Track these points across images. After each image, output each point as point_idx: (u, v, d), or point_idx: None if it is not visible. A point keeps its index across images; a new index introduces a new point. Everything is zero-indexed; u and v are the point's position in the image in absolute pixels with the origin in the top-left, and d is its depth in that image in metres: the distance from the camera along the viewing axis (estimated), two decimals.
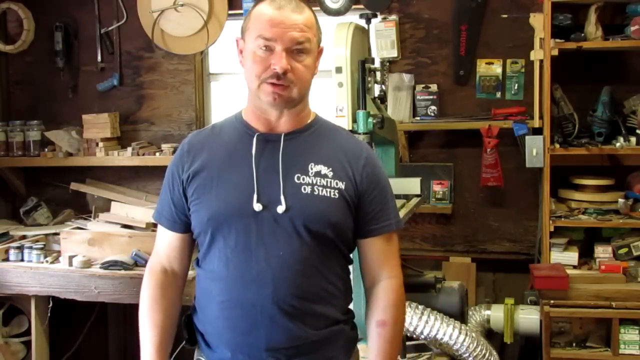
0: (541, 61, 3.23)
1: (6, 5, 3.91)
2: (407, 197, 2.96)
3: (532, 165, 3.27)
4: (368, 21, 2.90)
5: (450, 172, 3.65)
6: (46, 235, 3.59)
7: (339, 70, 2.57)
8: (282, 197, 1.60)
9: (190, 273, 1.80)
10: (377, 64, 2.75)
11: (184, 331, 1.76)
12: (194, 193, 1.68)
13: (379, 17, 3.50)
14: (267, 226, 1.60)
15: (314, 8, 1.81)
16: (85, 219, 3.72)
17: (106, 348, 4.08)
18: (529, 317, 3.15)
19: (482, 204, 3.66)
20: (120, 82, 3.92)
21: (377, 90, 2.77)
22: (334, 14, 3.60)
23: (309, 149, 1.68)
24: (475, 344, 2.79)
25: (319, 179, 1.64)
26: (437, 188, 3.64)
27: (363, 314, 1.75)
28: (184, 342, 1.78)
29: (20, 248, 3.41)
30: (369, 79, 2.66)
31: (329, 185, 1.64)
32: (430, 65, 3.64)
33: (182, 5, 3.64)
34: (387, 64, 3.25)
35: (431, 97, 3.60)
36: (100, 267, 3.26)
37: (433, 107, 3.59)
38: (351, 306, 1.77)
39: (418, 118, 3.60)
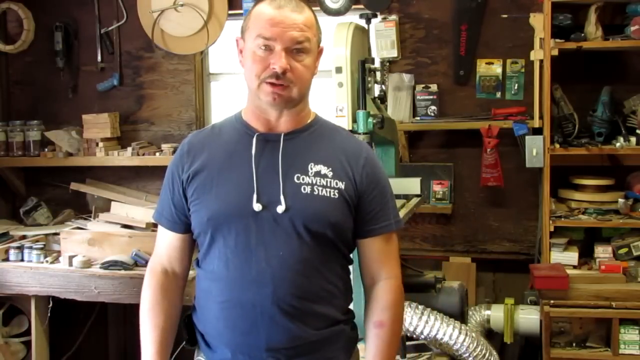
0: (541, 61, 3.23)
1: (6, 5, 3.90)
2: (407, 197, 2.96)
3: (532, 165, 3.27)
4: (368, 21, 2.90)
5: (450, 172, 3.65)
6: (46, 235, 3.59)
7: (339, 70, 2.57)
8: (281, 197, 1.60)
9: (191, 273, 1.80)
10: (377, 64, 2.75)
11: (184, 331, 1.76)
12: (193, 193, 1.68)
13: (379, 17, 3.50)
14: (267, 226, 1.61)
15: (314, 8, 1.81)
16: (85, 219, 3.72)
17: (106, 348, 4.08)
18: (529, 317, 3.15)
19: (482, 204, 3.66)
20: (120, 82, 3.92)
21: (377, 90, 2.77)
22: (334, 14, 3.60)
23: (309, 148, 1.68)
24: (475, 344, 2.79)
25: (318, 178, 1.64)
26: (437, 188, 3.64)
27: (363, 314, 1.75)
28: (184, 343, 1.78)
29: (20, 248, 3.41)
30: (369, 79, 2.66)
31: (328, 185, 1.64)
32: (430, 65, 3.64)
33: (182, 5, 3.64)
34: (387, 64, 3.25)
35: (431, 97, 3.60)
36: (100, 267, 3.25)
37: (433, 107, 3.59)
38: (351, 306, 1.77)
39: (418, 118, 3.60)
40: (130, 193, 3.88)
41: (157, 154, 3.72)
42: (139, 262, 3.25)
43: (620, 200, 3.19)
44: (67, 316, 3.71)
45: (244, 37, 1.67)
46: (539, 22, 3.24)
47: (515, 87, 3.53)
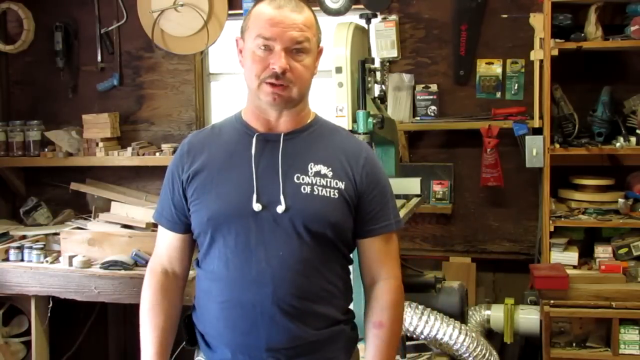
0: (541, 61, 3.23)
1: (6, 5, 3.90)
2: (407, 197, 2.96)
3: (532, 165, 3.26)
4: (368, 21, 2.90)
5: (450, 172, 3.65)
6: (46, 235, 3.59)
7: (339, 70, 2.57)
8: (281, 197, 1.60)
9: (191, 273, 1.80)
10: (377, 64, 2.74)
11: (184, 331, 1.76)
12: (193, 193, 1.68)
13: (379, 17, 3.50)
14: (266, 226, 1.60)
15: (314, 8, 1.81)
16: (85, 219, 3.72)
17: (106, 348, 4.08)
18: (529, 317, 3.15)
19: (482, 204, 3.66)
20: (120, 82, 3.92)
21: (377, 90, 2.77)
22: (334, 14, 3.60)
23: (309, 148, 1.68)
24: (475, 344, 2.79)
25: (318, 178, 1.64)
26: (437, 188, 3.64)
27: (363, 314, 1.75)
28: (184, 343, 1.78)
29: (20, 248, 3.41)
30: (369, 79, 2.66)
31: (328, 185, 1.64)
32: (430, 65, 3.64)
33: (182, 5, 3.63)
34: (387, 64, 3.25)
35: (431, 97, 3.60)
36: (100, 267, 3.25)
37: (433, 107, 3.59)
38: (351, 306, 1.77)
39: (418, 118, 3.60)
40: (130, 193, 3.88)
41: (157, 154, 3.72)
42: (139, 262, 3.25)
43: (620, 200, 3.19)
44: (67, 316, 3.71)
45: (243, 37, 1.67)
46: (539, 22, 3.24)
47: (515, 87, 3.53)
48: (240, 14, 3.64)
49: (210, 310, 1.67)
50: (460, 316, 2.90)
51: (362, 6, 3.58)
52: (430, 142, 3.68)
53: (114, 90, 3.94)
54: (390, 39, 3.57)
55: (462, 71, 3.59)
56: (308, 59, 1.64)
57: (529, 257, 3.53)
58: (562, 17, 3.20)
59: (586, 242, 3.33)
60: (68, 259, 3.30)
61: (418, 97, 3.61)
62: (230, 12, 3.68)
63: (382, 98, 2.83)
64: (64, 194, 3.95)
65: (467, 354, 2.79)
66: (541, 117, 3.28)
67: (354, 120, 2.57)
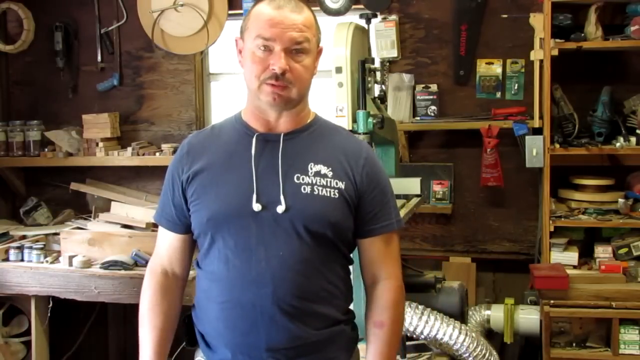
0: (541, 61, 3.23)
1: (6, 5, 3.91)
2: (407, 197, 2.96)
3: (532, 165, 3.26)
4: (368, 21, 2.90)
5: (450, 172, 3.65)
6: (46, 235, 3.59)
7: (339, 70, 2.57)
8: (281, 197, 1.60)
9: (191, 273, 1.80)
10: (377, 64, 2.74)
11: (184, 332, 1.76)
12: (193, 194, 1.68)
13: (379, 17, 3.50)
14: (266, 226, 1.60)
15: (313, 8, 1.81)
16: (85, 219, 3.72)
17: (106, 348, 4.08)
18: (529, 317, 3.15)
19: (482, 204, 3.66)
20: (120, 82, 3.92)
21: (377, 90, 2.77)
22: (334, 14, 3.60)
23: (309, 148, 1.68)
24: (475, 344, 2.79)
25: (318, 178, 1.64)
26: (437, 188, 3.64)
27: (363, 314, 1.75)
28: (184, 343, 1.78)
29: (20, 248, 3.41)
30: (369, 79, 2.66)
31: (328, 185, 1.63)
32: (430, 65, 3.64)
33: (182, 5, 3.64)
34: (387, 64, 3.25)
35: (431, 97, 3.60)
36: (100, 267, 3.25)
37: (433, 107, 3.59)
38: (351, 306, 1.77)
39: (418, 118, 3.60)
40: (130, 193, 3.88)
41: (157, 154, 3.72)
42: (139, 262, 3.25)
43: (620, 200, 3.19)
44: (67, 316, 3.71)
45: (243, 38, 1.67)
46: (539, 22, 3.24)
47: (515, 87, 3.53)
48: (240, 14, 3.64)
49: (210, 311, 1.67)
50: (460, 316, 2.90)
51: (362, 6, 3.58)
52: (430, 142, 3.68)
53: (114, 90, 3.94)
54: (390, 39, 3.57)
55: (462, 71, 3.59)
56: (308, 60, 1.64)
57: (529, 257, 3.53)
58: (562, 17, 3.20)
59: (586, 242, 3.33)
60: (68, 259, 3.30)
61: (418, 97, 3.61)
62: (230, 12, 3.68)
63: (382, 98, 2.83)
64: (64, 194, 3.95)
65: (467, 354, 2.79)
66: (541, 117, 3.28)
67: (354, 120, 2.57)
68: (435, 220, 3.71)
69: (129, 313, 3.86)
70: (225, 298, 1.63)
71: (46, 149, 3.82)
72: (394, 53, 3.57)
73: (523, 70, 3.51)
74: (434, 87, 3.61)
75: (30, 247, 3.38)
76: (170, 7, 3.65)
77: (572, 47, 3.16)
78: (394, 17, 3.59)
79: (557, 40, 3.16)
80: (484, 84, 3.57)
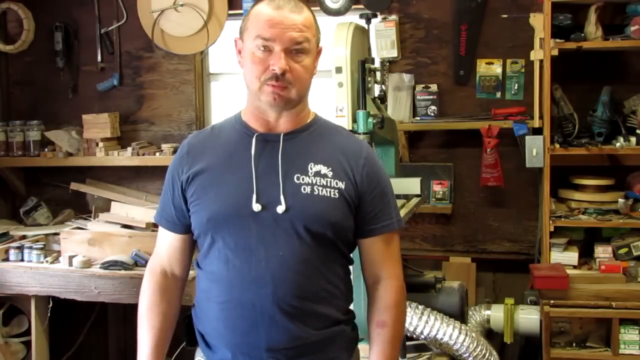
0: (541, 61, 3.23)
1: (6, 5, 3.91)
2: (407, 197, 2.96)
3: (532, 165, 3.26)
4: (368, 21, 2.90)
5: (450, 172, 3.65)
6: (46, 235, 3.59)
7: (339, 70, 2.56)
8: (282, 197, 1.60)
9: (191, 273, 1.80)
10: (377, 64, 2.74)
11: (184, 332, 1.76)
12: (193, 194, 1.68)
13: (379, 17, 3.50)
14: (266, 226, 1.60)
15: (313, 8, 1.81)
16: (85, 219, 3.72)
17: (106, 348, 4.08)
18: (529, 317, 3.15)
19: (482, 204, 3.66)
20: (120, 82, 3.92)
21: (377, 90, 2.76)
22: (334, 14, 3.60)
23: (309, 148, 1.67)
24: (475, 344, 2.79)
25: (318, 178, 1.63)
26: (437, 188, 3.64)
27: (363, 314, 1.75)
28: (184, 343, 1.78)
29: (20, 248, 3.41)
30: (369, 79, 2.66)
31: (328, 185, 1.63)
32: (430, 65, 3.64)
33: (182, 5, 3.64)
34: (387, 64, 3.25)
35: (431, 97, 3.60)
36: (100, 267, 3.25)
37: (433, 107, 3.59)
38: (351, 306, 1.77)
39: (418, 118, 3.60)
40: (130, 193, 3.88)
41: (157, 154, 3.72)
42: (139, 262, 3.25)
43: (620, 200, 3.19)
44: (67, 316, 3.71)
45: (242, 38, 1.67)
46: (539, 22, 3.24)
47: (515, 87, 3.53)
48: (240, 14, 3.64)
49: (210, 311, 1.67)
50: (460, 316, 2.90)
51: (362, 6, 3.58)
52: (430, 142, 3.68)
53: (114, 90, 3.94)
54: (390, 39, 3.57)
55: (462, 71, 3.59)
56: (307, 60, 1.64)
57: (529, 257, 3.53)
58: (562, 17, 3.20)
59: (586, 242, 3.33)
60: (68, 259, 3.30)
61: (418, 97, 3.61)
62: (230, 12, 3.68)
63: (382, 98, 2.83)
64: (64, 194, 3.95)
65: (467, 354, 2.79)
66: (541, 117, 3.28)
67: (354, 120, 2.57)
68: (435, 220, 3.71)
69: (129, 313, 3.86)
70: (225, 298, 1.63)
71: (46, 149, 3.82)
72: (394, 53, 3.57)
73: (523, 70, 3.51)
74: (434, 87, 3.61)
75: (30, 247, 3.38)
76: (170, 7, 3.65)
77: (572, 47, 3.16)
78: (394, 17, 3.59)
79: (557, 40, 3.16)
80: (484, 84, 3.57)
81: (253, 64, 1.61)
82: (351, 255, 1.76)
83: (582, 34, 3.18)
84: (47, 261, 3.36)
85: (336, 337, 1.68)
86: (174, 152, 3.53)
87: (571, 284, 3.02)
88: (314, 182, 1.63)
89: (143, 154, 3.72)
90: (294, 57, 1.61)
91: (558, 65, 3.18)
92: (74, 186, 3.89)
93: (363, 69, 2.60)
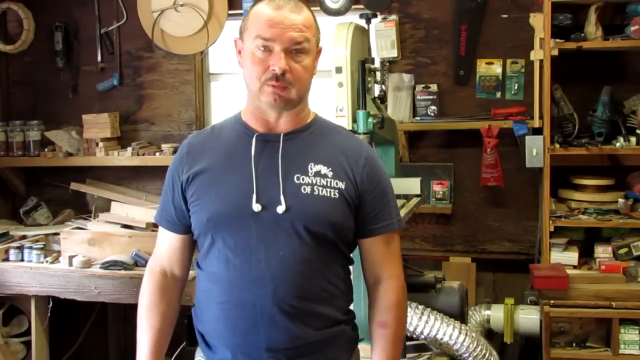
0: (541, 61, 3.23)
1: (6, 5, 3.91)
2: (407, 197, 2.96)
3: (532, 165, 3.26)
4: (368, 21, 2.90)
5: (450, 172, 3.65)
6: (46, 235, 3.59)
7: (339, 70, 2.56)
8: (282, 198, 1.60)
9: (191, 273, 1.80)
10: (377, 64, 2.74)
11: (184, 332, 1.76)
12: (193, 194, 1.68)
13: (379, 17, 3.50)
14: (266, 226, 1.60)
15: (313, 8, 1.81)
16: (85, 219, 3.72)
17: (106, 348, 4.08)
18: (529, 317, 3.15)
19: (482, 204, 3.66)
20: (120, 82, 3.92)
21: (377, 90, 2.76)
22: (334, 14, 3.60)
23: (309, 149, 1.67)
24: (475, 344, 2.79)
25: (318, 179, 1.63)
26: (437, 188, 3.64)
27: (363, 314, 1.75)
28: (184, 343, 1.78)
29: (20, 248, 3.41)
30: (369, 79, 2.66)
31: (328, 185, 1.63)
32: (430, 65, 3.64)
33: (182, 5, 3.64)
34: (387, 64, 3.25)
35: (431, 97, 3.60)
36: (100, 267, 3.25)
37: (433, 107, 3.59)
38: (351, 306, 1.77)
39: (418, 118, 3.60)
40: (130, 193, 3.88)
41: (157, 154, 3.72)
42: (139, 262, 3.25)
43: (620, 200, 3.19)
44: (67, 316, 3.71)
45: (242, 38, 1.67)
46: (539, 22, 3.24)
47: (515, 87, 3.53)
48: (240, 14, 3.64)
49: (210, 311, 1.67)
50: (460, 316, 2.90)
51: (362, 6, 3.58)
52: (430, 142, 3.68)
53: (114, 90, 3.94)
54: (390, 39, 3.57)
55: (462, 71, 3.59)
56: (307, 60, 1.63)
57: (529, 257, 3.53)
58: (562, 17, 3.20)
59: (586, 242, 3.33)
60: (68, 259, 3.30)
61: (418, 97, 3.61)
62: (230, 12, 3.68)
63: (382, 98, 2.83)
64: (64, 194, 3.95)
65: (467, 354, 2.79)
66: (541, 117, 3.28)
67: (354, 120, 2.57)
68: (435, 220, 3.71)
69: (129, 313, 3.86)
70: (225, 298, 1.63)
71: (46, 149, 3.82)
72: (394, 53, 3.57)
73: (523, 70, 3.51)
74: (434, 87, 3.61)
75: (30, 247, 3.38)
76: (170, 7, 3.65)
77: (572, 47, 3.16)
78: (394, 17, 3.59)
79: (557, 40, 3.16)
80: (484, 84, 3.57)
81: (253, 64, 1.61)
82: (351, 255, 1.76)
83: (582, 34, 3.18)
84: (47, 261, 3.36)
85: (336, 337, 1.68)
86: (174, 152, 3.53)
87: (571, 284, 3.02)
88: (314, 182, 1.63)
89: (143, 154, 3.72)
90: (294, 57, 1.61)
91: (558, 65, 3.18)
92: (74, 186, 3.89)
93: (363, 69, 2.60)
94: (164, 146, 3.73)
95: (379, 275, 1.72)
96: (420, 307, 2.82)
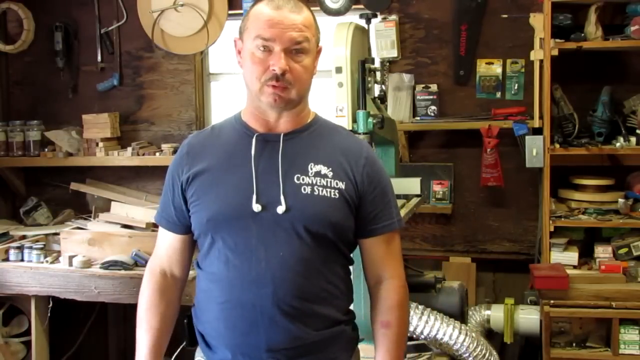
0: (541, 61, 3.23)
1: (6, 5, 3.91)
2: (407, 197, 2.96)
3: (532, 165, 3.26)
4: (368, 21, 2.90)
5: (450, 172, 3.65)
6: (46, 235, 3.59)
7: (339, 70, 2.56)
8: (282, 198, 1.60)
9: (191, 273, 1.80)
10: (377, 64, 2.74)
11: (185, 332, 1.76)
12: (193, 194, 1.68)
13: (379, 17, 3.50)
14: (266, 227, 1.60)
15: (313, 8, 1.81)
16: (85, 219, 3.72)
17: (106, 348, 4.08)
18: (529, 317, 3.15)
19: (482, 204, 3.65)
20: (120, 82, 3.92)
21: (377, 90, 2.76)
22: (334, 14, 3.60)
23: (309, 149, 1.67)
24: (475, 344, 2.79)
25: (318, 179, 1.63)
26: (437, 188, 3.64)
27: (363, 314, 1.75)
28: (184, 343, 1.78)
29: (20, 248, 3.41)
30: (369, 79, 2.66)
31: (328, 185, 1.63)
32: (430, 65, 3.64)
33: (182, 5, 3.64)
34: (387, 64, 3.25)
35: (431, 97, 3.60)
36: (100, 267, 3.25)
37: (433, 107, 3.59)
38: (351, 306, 1.77)
39: (418, 118, 3.60)
40: (130, 193, 3.88)
41: (157, 154, 3.72)
42: (139, 262, 3.25)
43: (620, 200, 3.19)
44: (67, 316, 3.71)
45: (242, 38, 1.67)
46: (539, 22, 3.24)
47: (515, 87, 3.53)
48: (240, 14, 3.64)
49: (210, 311, 1.67)
50: (460, 316, 2.90)
51: (362, 6, 3.58)
52: (430, 142, 3.68)
53: (114, 90, 3.94)
54: (390, 39, 3.57)
55: (462, 71, 3.59)
56: (307, 60, 1.63)
57: (529, 257, 3.53)
58: (562, 17, 3.20)
59: (586, 242, 3.33)
60: (68, 259, 3.30)
61: (418, 97, 3.61)
62: (230, 12, 3.68)
63: (382, 98, 2.83)
64: (64, 194, 3.95)
65: (467, 354, 2.79)
66: (541, 117, 3.28)
67: (354, 120, 2.57)
68: (435, 220, 3.71)
69: (129, 313, 3.86)
70: (226, 298, 1.63)
71: (46, 149, 3.82)
72: (394, 53, 3.57)
73: (523, 70, 3.51)
74: (434, 87, 3.61)
75: (30, 247, 3.38)
76: (170, 7, 3.65)
77: (572, 47, 3.16)
78: (394, 17, 3.59)
79: (557, 40, 3.16)
80: (484, 84, 3.57)
81: (253, 64, 1.61)
82: (351, 255, 1.75)
83: (582, 34, 3.18)
84: (47, 261, 3.36)
85: (336, 337, 1.68)
86: (174, 152, 3.53)
87: (571, 284, 3.02)
88: (314, 182, 1.63)
89: (143, 154, 3.72)
90: (294, 57, 1.61)
91: (558, 65, 3.18)
92: (74, 186, 3.89)
93: (363, 69, 2.60)
94: (164, 146, 3.73)
95: (380, 276, 1.72)
96: (420, 307, 2.82)
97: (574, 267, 3.20)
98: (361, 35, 2.76)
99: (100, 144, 3.75)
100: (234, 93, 3.89)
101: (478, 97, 3.59)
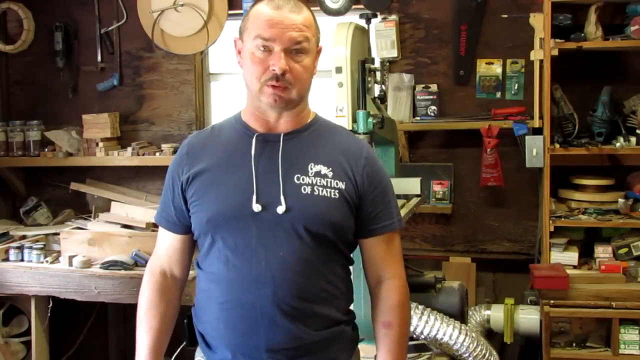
0: (541, 61, 3.23)
1: (6, 5, 3.91)
2: (407, 197, 2.96)
3: (532, 165, 3.26)
4: (368, 21, 2.90)
5: (450, 172, 3.65)
6: (46, 235, 3.59)
7: (339, 70, 2.56)
8: (282, 198, 1.60)
9: (191, 273, 1.80)
10: (377, 64, 2.74)
11: (185, 332, 1.76)
12: (193, 195, 1.68)
13: (379, 17, 3.51)
14: (267, 227, 1.60)
15: (313, 8, 1.81)
16: (85, 219, 3.72)
17: (106, 348, 4.08)
18: (529, 317, 3.15)
19: (482, 204, 3.66)
20: (120, 82, 3.92)
21: (377, 90, 2.76)
22: (334, 14, 3.60)
23: (309, 149, 1.67)
24: (475, 344, 2.79)
25: (318, 179, 1.63)
26: (437, 188, 3.64)
27: (363, 314, 1.75)
28: (184, 343, 1.78)
29: (20, 248, 3.40)
30: (369, 79, 2.66)
31: (329, 185, 1.63)
32: (430, 65, 3.64)
33: (182, 5, 3.64)
34: (387, 64, 3.25)
35: (431, 97, 3.60)
36: (100, 267, 3.25)
37: (433, 107, 3.59)
38: (351, 306, 1.77)
39: (418, 118, 3.60)
40: (130, 193, 3.88)
41: (157, 154, 3.72)
42: (139, 262, 3.25)
43: (620, 200, 3.19)
44: (67, 316, 3.71)
45: (242, 38, 1.67)
46: (539, 22, 3.24)
47: (515, 87, 3.53)
48: (240, 14, 3.64)
49: (210, 311, 1.67)
50: (460, 316, 2.90)
51: (362, 6, 3.58)
52: (430, 142, 3.68)
53: (114, 90, 3.94)
54: (390, 39, 3.57)
55: (462, 71, 3.59)
56: (307, 60, 1.63)
57: (529, 257, 3.53)
58: (562, 17, 3.20)
59: (586, 242, 3.33)
60: (68, 259, 3.30)
61: (418, 97, 3.61)
62: (230, 12, 3.68)
63: (382, 98, 2.83)
64: (64, 194, 3.95)
65: (467, 354, 2.79)
66: (541, 117, 3.28)
67: (354, 120, 2.57)
68: (435, 220, 3.71)
69: (129, 313, 3.86)
70: (226, 298, 1.63)
71: (46, 149, 3.82)
72: (394, 53, 3.57)
73: (523, 70, 3.51)
74: (434, 87, 3.61)
75: (30, 247, 3.38)
76: (170, 7, 3.65)
77: (572, 47, 3.16)
78: (394, 17, 3.59)
79: (557, 40, 3.16)
80: (484, 84, 3.57)
81: (253, 64, 1.61)
82: (351, 255, 1.75)
83: (582, 34, 3.18)
84: (47, 261, 3.36)
85: (336, 337, 1.68)
86: (174, 152, 3.53)
87: (571, 284, 3.03)
88: (314, 182, 1.63)
89: (143, 154, 3.72)
90: (294, 57, 1.61)
91: (558, 65, 3.18)
92: (74, 186, 3.89)
93: (363, 69, 2.60)
94: (164, 146, 3.74)
95: (380, 276, 1.72)
96: (420, 307, 2.82)
97: (574, 267, 3.20)
98: (361, 35, 2.76)
99: (100, 144, 3.75)
100: (234, 93, 3.89)
101: (478, 97, 3.59)
